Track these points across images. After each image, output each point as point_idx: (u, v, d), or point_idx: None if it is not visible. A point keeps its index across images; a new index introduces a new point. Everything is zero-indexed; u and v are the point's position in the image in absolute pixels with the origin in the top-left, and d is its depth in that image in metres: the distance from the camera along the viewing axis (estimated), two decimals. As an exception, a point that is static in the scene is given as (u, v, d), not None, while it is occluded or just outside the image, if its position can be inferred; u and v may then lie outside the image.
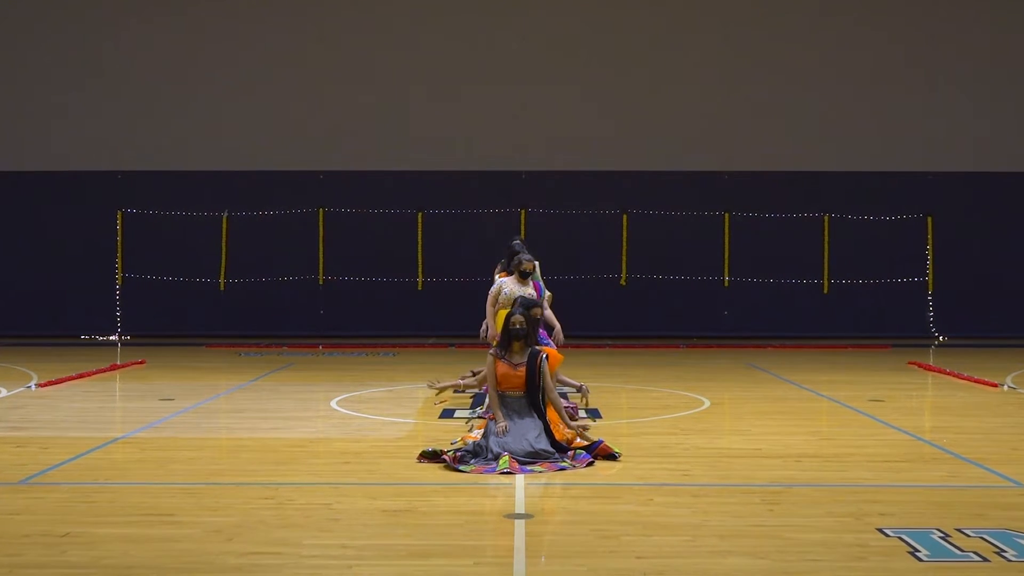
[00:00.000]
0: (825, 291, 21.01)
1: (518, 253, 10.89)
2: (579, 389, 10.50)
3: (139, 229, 21.09)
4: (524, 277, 10.80)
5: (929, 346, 19.87)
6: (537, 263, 11.66)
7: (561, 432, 8.79)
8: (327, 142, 21.24)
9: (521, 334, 8.82)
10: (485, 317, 11.17)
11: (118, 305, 21.11)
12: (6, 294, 21.09)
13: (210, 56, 21.45)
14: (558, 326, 11.12)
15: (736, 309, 21.09)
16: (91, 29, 21.49)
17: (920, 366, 16.08)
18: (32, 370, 15.00)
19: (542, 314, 10.39)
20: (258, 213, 21.08)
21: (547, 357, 8.90)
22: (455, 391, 11.40)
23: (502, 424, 8.53)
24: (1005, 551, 6.09)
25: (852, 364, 16.71)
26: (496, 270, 11.69)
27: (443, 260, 20.92)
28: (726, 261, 21.07)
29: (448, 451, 8.48)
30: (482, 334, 11.26)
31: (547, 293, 11.44)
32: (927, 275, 20.98)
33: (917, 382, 14.56)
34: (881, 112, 21.22)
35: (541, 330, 10.64)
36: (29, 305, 21.09)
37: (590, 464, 8.41)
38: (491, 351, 9.02)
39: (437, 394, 8.88)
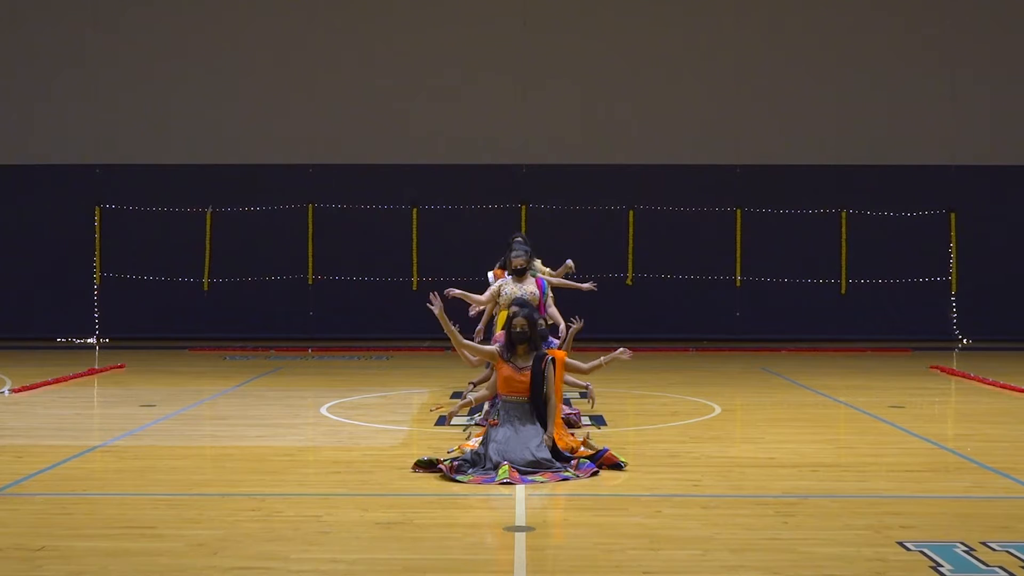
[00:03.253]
0: (843, 291, 21.02)
1: (511, 249, 10.92)
2: (586, 391, 10.51)
3: (118, 226, 21.10)
4: (518, 274, 10.82)
5: (952, 349, 19.87)
6: (539, 260, 11.68)
7: (564, 440, 8.79)
8: (317, 134, 21.24)
9: (524, 337, 8.83)
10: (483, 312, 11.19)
11: (96, 306, 21.11)
12: (-22, 294, 21.12)
13: (194, 44, 21.45)
14: (563, 324, 11.14)
15: (749, 310, 21.10)
16: (68, 16, 21.48)
17: (943, 370, 16.09)
18: (5, 375, 15.01)
19: (536, 307, 10.39)
20: (244, 209, 21.08)
21: (553, 361, 8.90)
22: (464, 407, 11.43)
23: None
24: (1033, 566, 6.09)
25: (871, 368, 16.71)
26: (495, 268, 11.71)
27: (440, 259, 20.91)
28: (738, 259, 21.07)
29: (445, 460, 8.48)
30: (472, 311, 11.22)
31: (549, 291, 11.48)
32: (950, 274, 20.98)
33: (940, 387, 14.56)
34: (901, 103, 21.21)
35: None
36: (1, 306, 21.08)
37: (594, 474, 8.41)
38: (495, 345, 9.02)
39: (447, 414, 9.06)
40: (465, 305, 11.37)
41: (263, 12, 21.54)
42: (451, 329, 9.02)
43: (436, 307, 8.98)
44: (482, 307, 11.26)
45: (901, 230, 20.93)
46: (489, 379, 9.84)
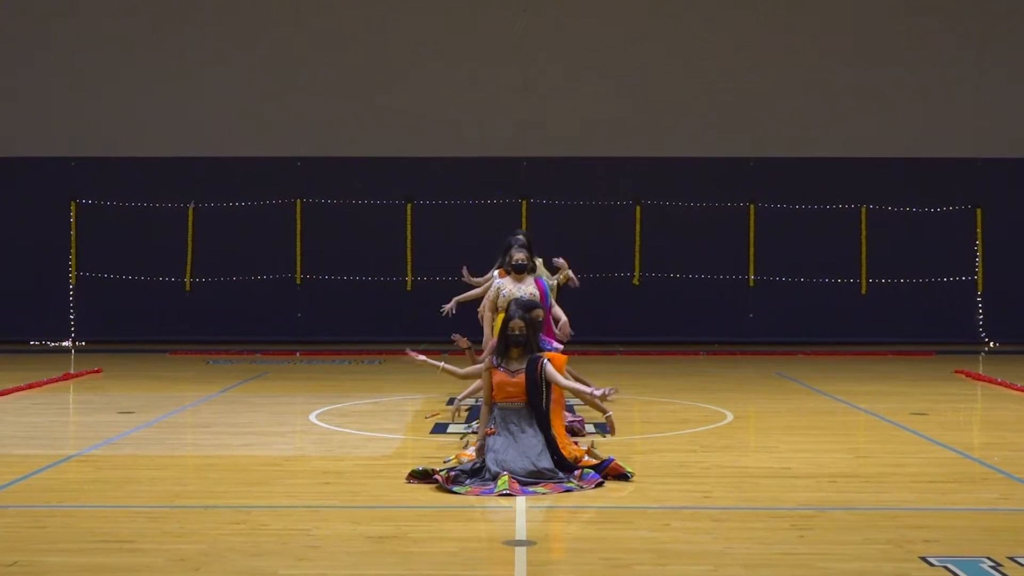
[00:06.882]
0: (863, 291, 21.02)
1: (511, 247, 10.93)
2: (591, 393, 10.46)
3: (95, 222, 21.10)
4: (518, 272, 10.83)
5: (978, 353, 19.87)
6: (540, 260, 11.70)
7: (568, 449, 8.80)
8: (305, 125, 21.23)
9: (520, 340, 8.83)
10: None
11: (71, 307, 21.11)
12: (-54, 295, 21.11)
13: (176, 31, 21.44)
14: (564, 318, 11.16)
15: (763, 311, 21.10)
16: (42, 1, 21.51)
17: (968, 375, 16.10)
18: (-25, 380, 15.01)
19: (543, 316, 10.43)
20: (228, 204, 21.09)
21: (548, 362, 8.92)
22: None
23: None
24: (1063, 582, 6.10)
25: (892, 373, 16.72)
26: (495, 267, 11.74)
27: (435, 257, 20.91)
28: (751, 258, 21.08)
29: (441, 470, 8.49)
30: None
31: (552, 283, 11.55)
32: (976, 273, 20.98)
33: (965, 393, 14.57)
34: (925, 92, 21.20)
35: (547, 336, 10.66)
36: (-28, 307, 21.10)
37: (599, 485, 8.42)
38: (487, 359, 9.02)
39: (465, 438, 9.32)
40: (474, 323, 11.39)
41: (249, -4, 21.55)
42: (447, 369, 9.28)
43: (417, 359, 9.14)
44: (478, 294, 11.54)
45: (925, 227, 20.93)
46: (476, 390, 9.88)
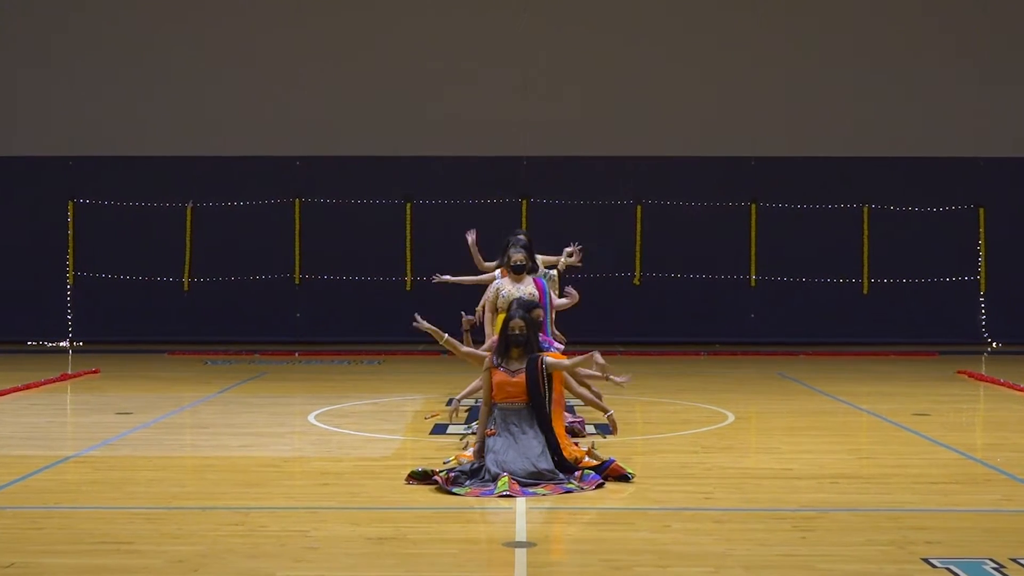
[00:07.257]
0: (865, 291, 21.02)
1: (510, 247, 10.95)
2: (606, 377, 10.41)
3: (92, 222, 21.09)
4: (517, 272, 10.84)
5: (981, 353, 19.87)
6: (541, 257, 11.71)
7: (568, 450, 8.80)
8: (305, 124, 21.23)
9: (521, 340, 8.83)
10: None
11: (69, 307, 21.11)
12: (-57, 295, 21.11)
13: (174, 29, 21.44)
14: (576, 294, 11.18)
15: (764, 311, 21.10)
16: (39, -2, 21.51)
17: (971, 376, 16.09)
18: (-27, 380, 15.01)
19: (543, 316, 10.44)
20: (227, 204, 21.08)
21: (548, 357, 8.92)
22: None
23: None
24: (1066, 584, 6.10)
25: (894, 373, 16.72)
26: (495, 266, 11.76)
27: (435, 256, 20.82)
28: (753, 258, 21.07)
29: (440, 471, 8.49)
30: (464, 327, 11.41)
31: (552, 274, 11.60)
32: (979, 273, 20.98)
33: (967, 394, 14.57)
34: (927, 91, 21.19)
35: (548, 337, 10.67)
36: (-31, 307, 21.10)
37: (600, 486, 8.41)
38: (487, 359, 9.01)
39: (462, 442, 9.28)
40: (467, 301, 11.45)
41: (247, -5, 21.55)
42: (451, 342, 9.06)
43: (423, 325, 9.02)
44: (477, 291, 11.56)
45: (927, 226, 20.93)
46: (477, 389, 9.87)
